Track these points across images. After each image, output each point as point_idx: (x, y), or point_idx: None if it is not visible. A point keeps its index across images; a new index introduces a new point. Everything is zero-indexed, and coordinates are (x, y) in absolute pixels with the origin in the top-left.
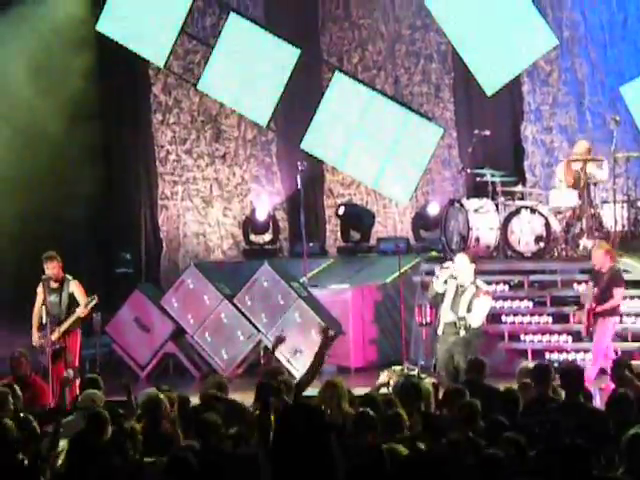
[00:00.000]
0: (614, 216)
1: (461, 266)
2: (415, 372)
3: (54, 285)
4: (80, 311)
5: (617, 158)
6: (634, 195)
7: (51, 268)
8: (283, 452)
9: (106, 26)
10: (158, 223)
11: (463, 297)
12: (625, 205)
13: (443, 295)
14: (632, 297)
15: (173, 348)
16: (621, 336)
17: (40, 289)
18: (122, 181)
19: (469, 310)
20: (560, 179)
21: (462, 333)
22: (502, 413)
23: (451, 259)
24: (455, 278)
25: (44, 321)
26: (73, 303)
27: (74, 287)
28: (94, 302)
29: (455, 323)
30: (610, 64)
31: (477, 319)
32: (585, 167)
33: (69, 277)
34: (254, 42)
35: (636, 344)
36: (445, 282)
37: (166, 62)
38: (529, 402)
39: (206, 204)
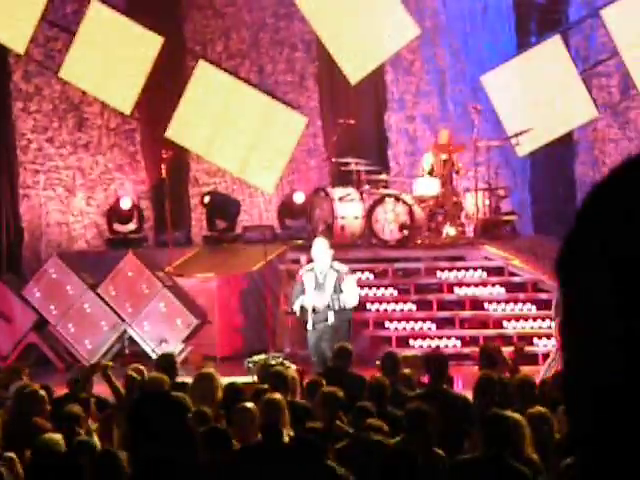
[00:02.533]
0: (476, 204)
1: (320, 250)
2: (279, 360)
3: None
4: None
5: (478, 147)
6: (495, 183)
7: None
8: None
9: None
10: (19, 212)
11: (327, 283)
12: (486, 193)
13: (304, 313)
14: (493, 284)
15: (35, 338)
16: (484, 323)
17: None
18: None
19: (341, 291)
20: (424, 169)
21: (331, 319)
22: (368, 400)
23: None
24: (310, 270)
25: None
26: None
27: None
28: None
29: (325, 310)
30: (471, 53)
31: (352, 298)
32: (452, 156)
33: None
34: (116, 29)
35: (496, 331)
36: (301, 308)
37: (26, 49)
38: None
39: (69, 193)
